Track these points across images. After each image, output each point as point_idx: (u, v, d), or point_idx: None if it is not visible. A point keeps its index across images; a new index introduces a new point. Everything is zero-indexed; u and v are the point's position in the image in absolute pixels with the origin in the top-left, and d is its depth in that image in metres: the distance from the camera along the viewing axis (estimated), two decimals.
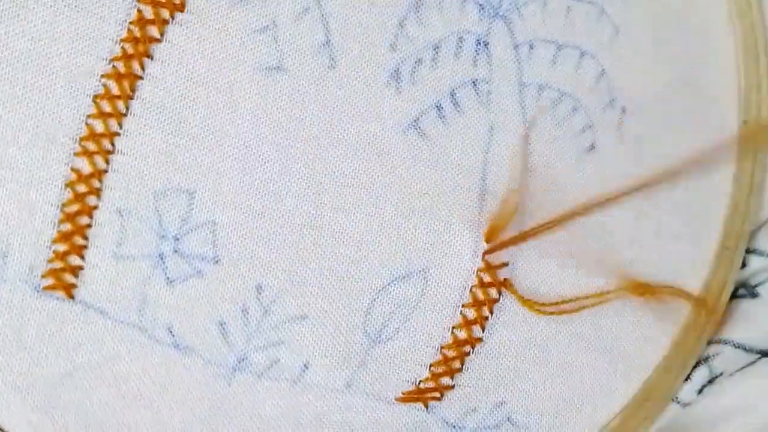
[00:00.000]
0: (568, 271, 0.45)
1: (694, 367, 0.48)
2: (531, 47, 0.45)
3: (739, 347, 0.48)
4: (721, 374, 0.48)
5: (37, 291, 0.41)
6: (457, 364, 0.45)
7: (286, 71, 0.42)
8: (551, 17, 0.45)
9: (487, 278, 0.44)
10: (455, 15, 0.44)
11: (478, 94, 0.44)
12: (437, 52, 0.44)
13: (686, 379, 0.48)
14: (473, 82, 0.44)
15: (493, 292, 0.45)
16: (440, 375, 0.44)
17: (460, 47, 0.44)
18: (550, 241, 0.45)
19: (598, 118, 0.46)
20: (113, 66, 0.41)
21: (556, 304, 0.45)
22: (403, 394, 0.44)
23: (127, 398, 0.42)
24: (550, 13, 0.45)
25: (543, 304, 0.45)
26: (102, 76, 0.41)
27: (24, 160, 0.40)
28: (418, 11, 0.43)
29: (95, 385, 0.42)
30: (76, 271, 0.41)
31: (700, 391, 0.48)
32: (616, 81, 0.46)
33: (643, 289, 0.45)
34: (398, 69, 0.43)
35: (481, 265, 0.44)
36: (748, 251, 0.49)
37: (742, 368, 0.48)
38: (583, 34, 0.45)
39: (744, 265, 0.49)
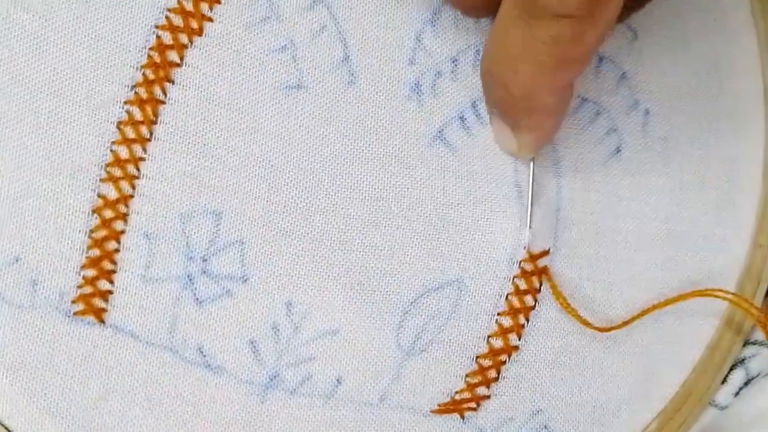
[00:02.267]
0: (600, 281, 0.45)
1: (731, 369, 0.48)
2: None
3: None
4: (758, 375, 0.48)
5: (68, 317, 0.41)
6: (492, 374, 0.44)
7: (306, 89, 0.43)
8: None
9: (523, 285, 0.44)
10: (471, 27, 0.44)
11: None
12: (456, 65, 0.44)
13: (723, 382, 0.48)
14: None
15: (528, 300, 0.44)
16: (476, 385, 0.44)
17: (478, 59, 0.44)
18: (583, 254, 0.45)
19: (622, 121, 0.46)
20: (135, 92, 0.42)
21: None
22: (438, 405, 0.44)
23: (161, 420, 0.42)
24: None
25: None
26: (125, 102, 0.41)
27: (50, 188, 0.41)
28: (434, 25, 0.44)
29: (129, 409, 0.42)
30: (105, 295, 0.42)
31: (736, 394, 0.48)
32: (638, 83, 0.46)
33: (690, 295, 0.45)
34: (419, 82, 0.44)
35: (518, 271, 0.44)
36: None
37: None
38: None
39: None
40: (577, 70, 0.39)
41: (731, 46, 0.48)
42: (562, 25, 0.36)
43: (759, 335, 0.48)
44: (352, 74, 0.43)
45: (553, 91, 0.39)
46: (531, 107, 0.40)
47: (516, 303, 0.45)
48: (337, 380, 0.43)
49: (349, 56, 0.43)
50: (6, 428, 0.41)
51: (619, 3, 0.36)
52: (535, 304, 0.45)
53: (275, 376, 0.42)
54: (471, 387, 0.44)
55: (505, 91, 0.40)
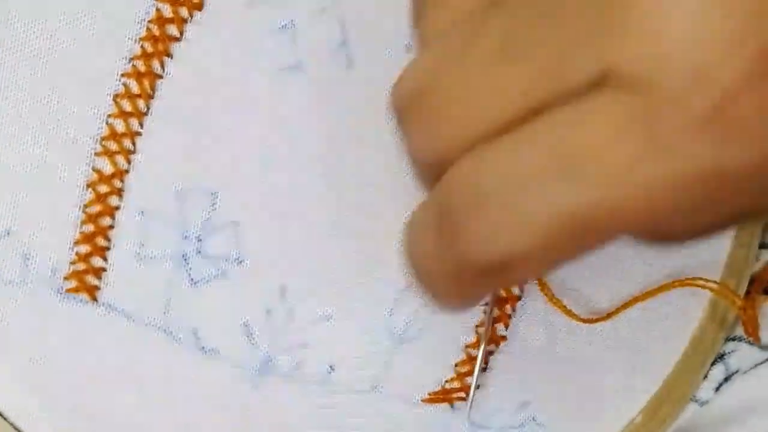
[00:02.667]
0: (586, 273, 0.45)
1: (712, 364, 0.48)
2: None
3: (753, 344, 0.48)
4: (737, 371, 0.48)
5: (60, 293, 0.40)
6: (481, 364, 0.44)
7: (304, 71, 0.42)
8: None
9: None
10: None
11: None
12: None
13: (704, 378, 0.48)
14: None
15: (515, 290, 0.44)
16: (465, 374, 0.44)
17: None
18: None
19: None
20: (133, 65, 0.41)
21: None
22: (429, 394, 0.44)
23: (153, 403, 0.41)
24: None
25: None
26: (122, 75, 0.40)
27: (44, 160, 0.40)
28: None
29: (120, 390, 0.41)
30: (99, 272, 0.40)
31: (717, 389, 0.48)
32: None
33: (672, 285, 0.45)
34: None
35: None
36: (761, 246, 0.49)
37: (757, 366, 0.48)
38: None
39: (757, 260, 0.49)
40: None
41: None
42: None
43: (740, 331, 0.48)
44: (350, 58, 0.43)
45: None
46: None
47: (502, 293, 0.44)
48: (330, 367, 0.42)
49: (347, 40, 0.42)
50: None
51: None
52: (521, 294, 0.44)
53: (268, 361, 0.42)
54: (460, 376, 0.44)
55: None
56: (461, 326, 0.44)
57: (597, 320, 0.45)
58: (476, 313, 0.44)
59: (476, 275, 0.28)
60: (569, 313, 0.44)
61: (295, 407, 0.42)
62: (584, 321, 0.44)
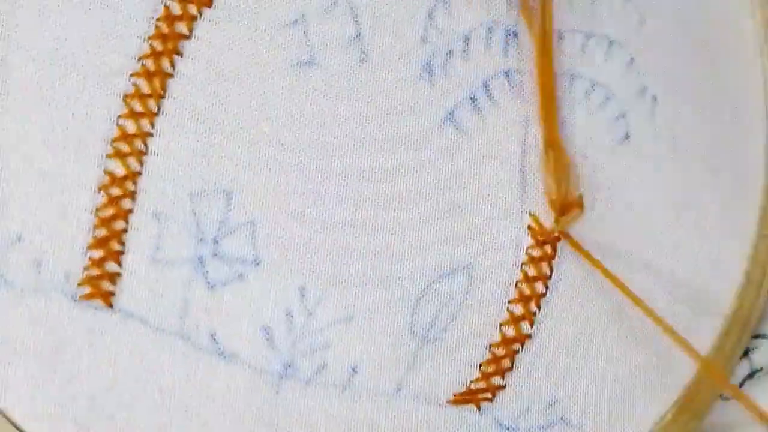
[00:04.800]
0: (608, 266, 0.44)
1: None
2: (560, 37, 0.44)
3: None
4: (761, 369, 0.48)
5: (74, 300, 0.39)
6: (507, 363, 0.43)
7: (318, 66, 0.41)
8: (577, 7, 0.44)
9: (532, 272, 0.43)
10: (483, 5, 0.43)
11: (511, 85, 0.43)
12: (468, 44, 0.43)
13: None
14: (506, 72, 0.43)
15: (539, 287, 0.43)
16: (491, 374, 0.43)
17: (491, 38, 0.43)
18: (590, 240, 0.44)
19: (631, 107, 0.45)
20: (142, 64, 0.40)
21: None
22: (454, 395, 0.43)
23: (172, 411, 0.40)
24: (575, 2, 0.44)
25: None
26: (131, 74, 0.40)
27: (54, 163, 0.39)
28: (446, 2, 0.43)
29: (138, 398, 0.39)
30: (113, 278, 0.39)
31: (741, 385, 0.47)
32: (646, 69, 0.45)
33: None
34: (430, 62, 0.42)
35: (525, 258, 0.43)
36: None
37: None
38: (609, 23, 0.45)
39: None
40: None
41: (733, 36, 0.48)
42: None
43: (765, 328, 0.47)
44: (364, 52, 0.42)
45: None
46: None
47: (526, 290, 0.43)
48: (353, 369, 0.41)
49: (360, 33, 0.42)
50: (9, 420, 0.38)
51: None
52: (546, 291, 0.43)
53: (290, 365, 0.41)
54: (486, 376, 0.43)
55: None
56: (485, 325, 0.43)
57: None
58: (501, 312, 0.43)
59: None
60: (609, 275, 0.43)
61: (318, 412, 0.41)
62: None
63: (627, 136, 0.45)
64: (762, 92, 0.48)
